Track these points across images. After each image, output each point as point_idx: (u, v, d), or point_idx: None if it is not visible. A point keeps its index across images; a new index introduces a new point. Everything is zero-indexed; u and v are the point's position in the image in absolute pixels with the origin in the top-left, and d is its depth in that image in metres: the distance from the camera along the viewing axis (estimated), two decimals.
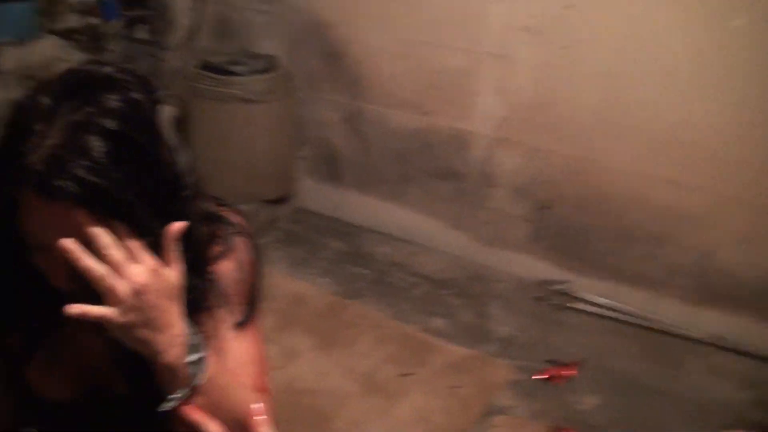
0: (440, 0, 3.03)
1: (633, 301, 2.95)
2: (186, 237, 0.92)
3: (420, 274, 3.13)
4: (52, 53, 3.19)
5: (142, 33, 3.91)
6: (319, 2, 3.35)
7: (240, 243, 1.10)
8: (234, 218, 1.13)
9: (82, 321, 0.93)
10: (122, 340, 0.89)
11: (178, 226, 0.90)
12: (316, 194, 3.63)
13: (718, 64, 2.57)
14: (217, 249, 1.06)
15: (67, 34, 3.52)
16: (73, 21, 3.66)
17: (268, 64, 3.31)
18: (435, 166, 3.26)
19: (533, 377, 2.53)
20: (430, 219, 3.34)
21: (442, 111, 3.17)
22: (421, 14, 3.09)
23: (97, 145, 0.83)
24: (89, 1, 3.52)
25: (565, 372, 2.52)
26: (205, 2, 3.69)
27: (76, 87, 0.87)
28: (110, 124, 0.85)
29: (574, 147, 2.93)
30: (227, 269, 1.07)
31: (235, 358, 1.06)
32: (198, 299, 1.00)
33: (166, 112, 0.96)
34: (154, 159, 0.90)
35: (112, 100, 0.87)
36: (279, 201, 3.48)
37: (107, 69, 0.91)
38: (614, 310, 2.94)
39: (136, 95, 0.90)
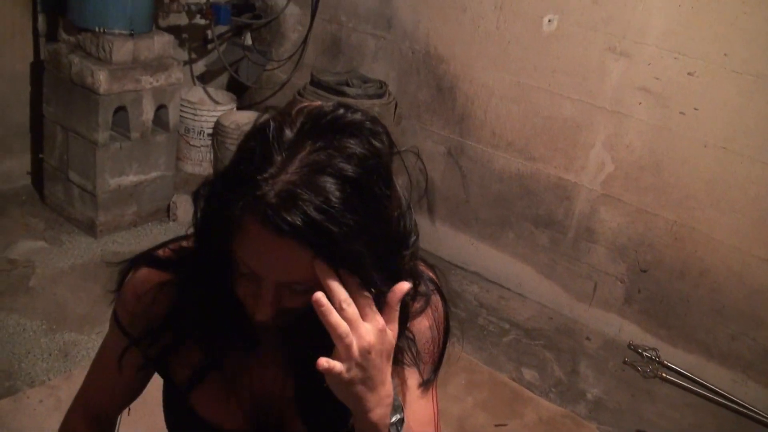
0: (560, 49, 3.02)
1: (720, 379, 2.89)
2: None
3: (510, 320, 3.12)
4: (161, 49, 3.24)
5: (248, 40, 3.96)
6: (435, 36, 3.36)
7: (436, 301, 1.09)
8: (428, 273, 1.11)
9: (267, 353, 0.93)
10: (336, 393, 0.89)
11: (404, 287, 0.89)
12: None
13: None
14: (416, 306, 1.05)
15: (173, 32, 3.58)
16: (182, 19, 3.73)
17: (380, 89, 3.32)
18: (535, 213, 3.24)
19: None
20: (523, 265, 3.32)
21: (549, 159, 3.15)
22: (539, 60, 3.08)
23: (333, 188, 0.81)
24: (203, 2, 3.58)
25: None
26: (314, 19, 3.73)
27: (323, 127, 0.85)
28: (349, 170, 0.82)
29: (678, 213, 2.90)
30: (423, 327, 1.07)
31: (417, 419, 1.05)
32: (396, 357, 0.99)
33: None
34: (385, 213, 0.88)
35: (355, 146, 0.85)
36: None
37: (357, 116, 0.88)
38: (702, 385, 2.89)
39: (378, 145, 0.88)
